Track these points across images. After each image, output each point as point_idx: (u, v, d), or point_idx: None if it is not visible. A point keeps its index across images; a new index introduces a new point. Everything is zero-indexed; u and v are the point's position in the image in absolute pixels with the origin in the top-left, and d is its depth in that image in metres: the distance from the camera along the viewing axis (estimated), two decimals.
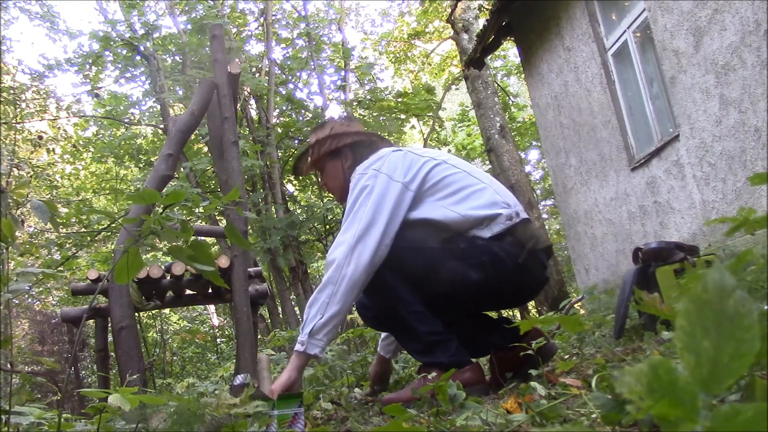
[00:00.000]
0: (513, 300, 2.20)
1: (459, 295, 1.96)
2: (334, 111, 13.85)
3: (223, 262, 2.95)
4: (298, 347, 1.86)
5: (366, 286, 1.89)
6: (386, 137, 2.31)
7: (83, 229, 11.19)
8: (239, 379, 1.77)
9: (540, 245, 1.96)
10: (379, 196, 1.89)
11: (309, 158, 2.24)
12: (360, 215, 1.88)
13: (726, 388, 0.47)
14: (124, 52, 10.95)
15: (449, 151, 15.76)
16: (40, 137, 11.81)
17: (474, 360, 1.96)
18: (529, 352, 1.84)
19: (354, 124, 2.25)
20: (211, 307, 15.07)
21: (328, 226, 11.59)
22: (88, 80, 11.44)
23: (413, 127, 15.25)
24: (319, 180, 2.35)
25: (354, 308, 2.22)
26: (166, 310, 12.29)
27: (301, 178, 11.27)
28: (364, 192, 1.91)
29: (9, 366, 1.18)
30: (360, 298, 2.09)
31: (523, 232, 1.93)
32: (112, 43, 10.68)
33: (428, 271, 1.90)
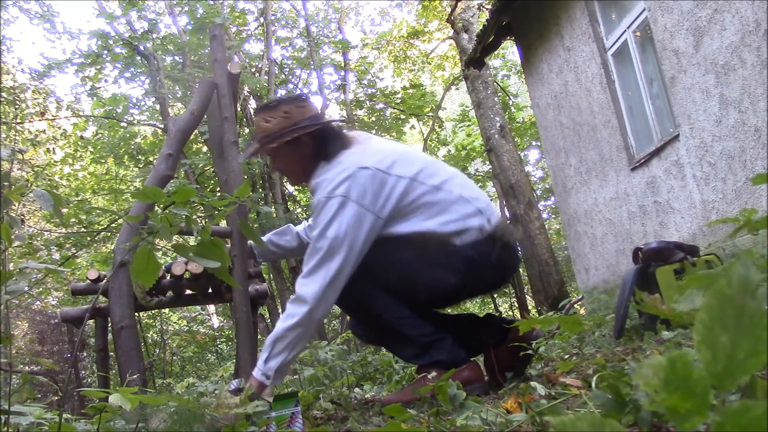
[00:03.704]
0: (489, 290, 2.22)
1: (439, 299, 2.03)
2: (334, 111, 13.87)
3: None
4: (262, 379, 1.82)
5: (348, 305, 1.95)
6: (344, 124, 2.17)
7: (83, 229, 11.18)
8: (234, 385, 1.78)
9: (511, 238, 2.00)
10: (351, 231, 1.83)
11: (261, 144, 2.07)
12: (332, 250, 1.82)
13: (737, 385, 0.47)
14: (124, 51, 10.95)
15: (449, 151, 15.75)
16: (42, 113, 11.76)
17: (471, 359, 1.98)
18: (528, 351, 1.86)
19: (308, 106, 2.08)
20: (211, 308, 15.08)
21: None
22: (88, 80, 11.43)
23: (413, 127, 15.26)
24: (270, 163, 2.20)
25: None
26: (166, 310, 12.29)
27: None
28: (334, 222, 1.83)
29: (8, 366, 1.18)
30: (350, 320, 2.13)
31: (494, 233, 1.95)
32: (110, 41, 10.67)
33: (407, 283, 1.91)
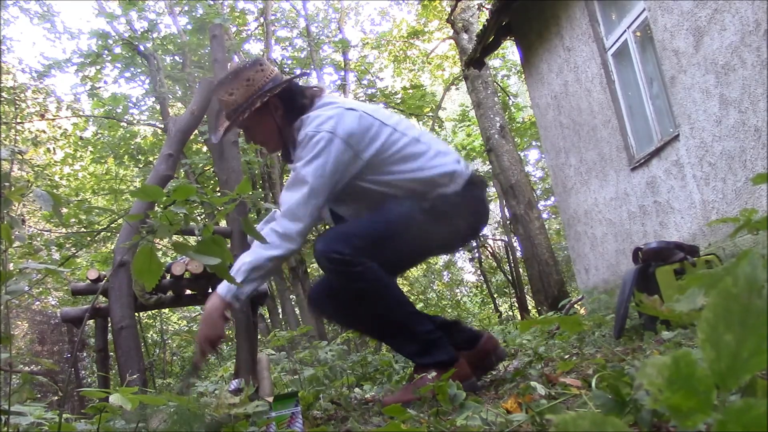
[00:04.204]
0: (483, 228, 2.28)
1: (453, 245, 2.24)
2: None
3: None
4: (232, 300, 1.88)
5: (364, 292, 1.91)
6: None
7: (83, 229, 11.18)
8: (234, 385, 1.78)
9: (482, 178, 2.16)
10: (336, 169, 1.87)
11: (231, 119, 2.02)
12: (317, 187, 1.86)
13: (740, 384, 0.47)
14: (124, 52, 10.95)
15: None
16: (42, 115, 11.74)
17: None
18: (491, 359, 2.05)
19: (267, 67, 2.02)
20: None
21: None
22: (88, 80, 11.42)
23: None
24: (245, 134, 2.14)
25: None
26: (166, 310, 12.28)
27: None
28: (320, 157, 1.85)
29: (8, 366, 1.18)
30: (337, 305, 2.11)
31: (473, 175, 2.06)
32: (110, 41, 10.66)
33: (423, 241, 1.97)
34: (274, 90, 1.98)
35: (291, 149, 2.04)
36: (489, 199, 2.16)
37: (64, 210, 11.14)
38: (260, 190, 11.27)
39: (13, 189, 1.12)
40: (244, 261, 1.87)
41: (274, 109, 2.01)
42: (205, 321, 1.88)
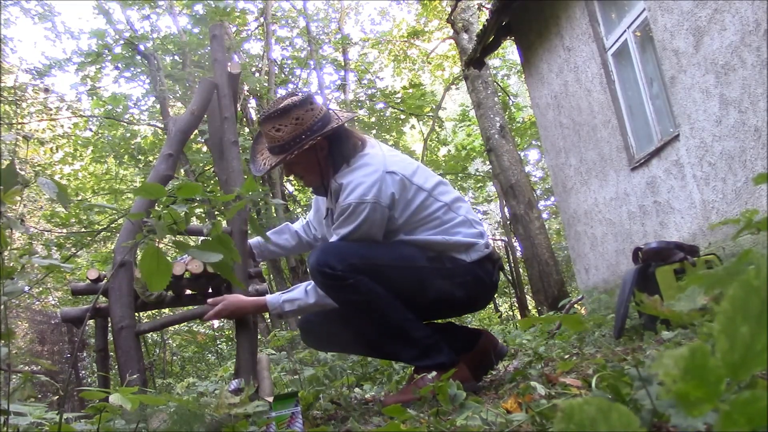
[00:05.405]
0: (478, 309, 2.30)
1: (440, 310, 2.13)
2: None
3: None
4: (273, 314, 2.06)
5: (352, 299, 1.93)
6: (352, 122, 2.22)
7: (83, 229, 11.18)
8: (234, 385, 1.78)
9: (501, 263, 2.15)
10: (374, 231, 1.97)
11: (276, 154, 2.03)
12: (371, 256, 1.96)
13: (750, 375, 0.47)
14: (124, 51, 10.94)
15: (449, 151, 15.76)
16: (46, 88, 11.67)
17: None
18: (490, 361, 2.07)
19: (316, 107, 2.02)
20: None
21: None
22: (88, 79, 11.42)
23: (413, 127, 15.26)
24: (284, 167, 2.13)
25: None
26: (166, 310, 12.27)
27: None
28: (364, 226, 1.93)
29: (8, 366, 1.18)
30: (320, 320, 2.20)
31: (492, 254, 2.07)
32: (108, 39, 10.65)
33: (417, 287, 1.96)
34: (324, 132, 2.00)
35: (327, 188, 2.11)
36: (498, 281, 2.16)
37: (64, 210, 11.12)
38: (260, 189, 11.27)
39: (10, 190, 1.12)
40: (309, 302, 2.02)
41: (319, 149, 2.04)
42: (238, 308, 2.07)
